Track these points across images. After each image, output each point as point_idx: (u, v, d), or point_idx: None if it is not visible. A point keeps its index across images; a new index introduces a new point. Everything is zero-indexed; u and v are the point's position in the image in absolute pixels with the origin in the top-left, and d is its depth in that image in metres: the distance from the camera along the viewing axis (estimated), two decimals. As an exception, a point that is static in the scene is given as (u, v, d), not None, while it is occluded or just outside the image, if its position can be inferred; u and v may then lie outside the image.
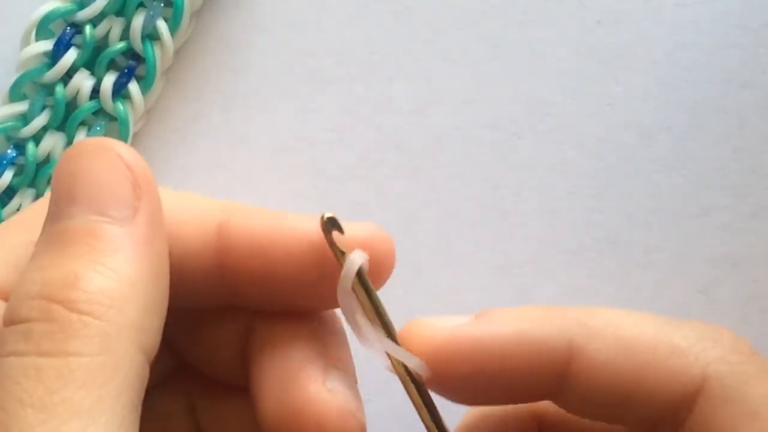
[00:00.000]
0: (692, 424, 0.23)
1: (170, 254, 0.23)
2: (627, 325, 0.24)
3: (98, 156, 0.23)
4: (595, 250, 0.37)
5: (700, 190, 0.37)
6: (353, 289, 0.24)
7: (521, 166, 0.38)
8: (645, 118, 0.38)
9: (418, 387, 0.25)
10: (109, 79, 0.37)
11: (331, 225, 0.24)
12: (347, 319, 0.25)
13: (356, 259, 0.24)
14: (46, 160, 0.37)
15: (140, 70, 0.37)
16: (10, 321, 0.20)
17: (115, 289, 0.21)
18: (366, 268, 0.25)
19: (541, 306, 0.25)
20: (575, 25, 0.38)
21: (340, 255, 0.24)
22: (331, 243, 0.24)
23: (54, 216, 0.22)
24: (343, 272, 0.24)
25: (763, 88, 0.38)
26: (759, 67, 0.38)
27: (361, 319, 0.25)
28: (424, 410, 0.25)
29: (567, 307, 0.25)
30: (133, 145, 0.37)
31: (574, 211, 0.37)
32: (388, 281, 0.26)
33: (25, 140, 0.37)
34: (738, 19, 0.38)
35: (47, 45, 0.36)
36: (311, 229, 0.24)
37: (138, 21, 0.37)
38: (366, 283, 0.24)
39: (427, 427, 0.25)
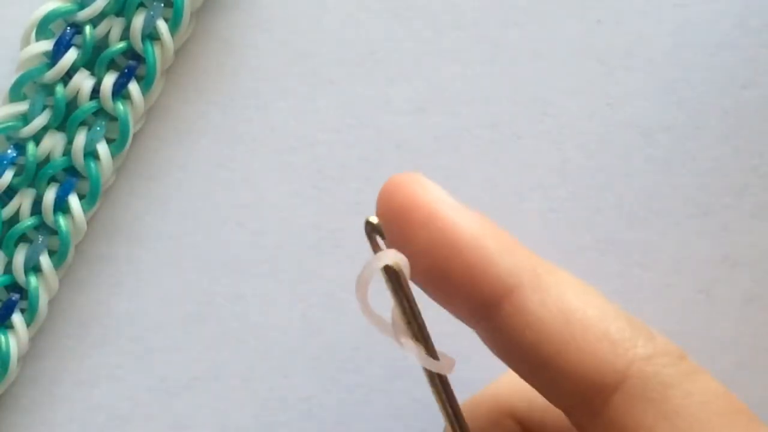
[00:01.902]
0: (607, 418, 0.23)
1: None
2: (575, 295, 0.25)
3: None
4: (595, 250, 0.37)
5: (700, 190, 0.37)
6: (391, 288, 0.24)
7: (521, 166, 0.38)
8: (645, 118, 0.38)
9: (444, 390, 0.25)
10: (109, 79, 0.37)
11: (372, 229, 0.24)
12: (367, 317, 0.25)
13: (381, 259, 0.24)
14: (46, 160, 0.37)
15: (140, 70, 0.37)
16: None
17: None
18: (406, 271, 0.24)
19: (515, 240, 0.26)
20: (575, 25, 0.38)
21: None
22: (375, 248, 0.24)
23: None
24: (364, 270, 0.24)
25: (763, 88, 0.38)
26: (759, 67, 0.38)
27: (384, 319, 0.25)
28: (449, 410, 0.25)
29: (534, 253, 0.25)
30: (133, 145, 0.37)
31: (574, 211, 0.37)
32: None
33: (25, 140, 0.37)
34: (738, 19, 0.38)
35: (47, 45, 0.36)
36: None
37: (138, 21, 0.37)
38: (399, 288, 0.24)
39: (450, 427, 0.25)
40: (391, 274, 0.24)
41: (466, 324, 0.25)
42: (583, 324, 0.24)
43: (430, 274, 0.24)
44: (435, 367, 0.25)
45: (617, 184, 0.37)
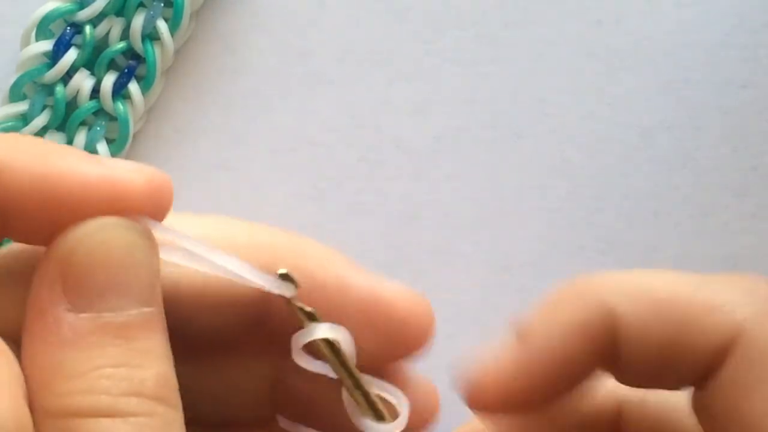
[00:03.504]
0: (721, 380, 0.23)
1: None
2: (660, 286, 0.24)
3: (117, 237, 0.22)
4: (595, 250, 0.37)
5: (700, 190, 0.37)
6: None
7: (521, 166, 0.38)
8: (645, 118, 0.38)
9: None
10: (109, 79, 0.37)
11: (287, 281, 0.24)
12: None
13: (319, 332, 0.24)
14: (46, 160, 0.37)
15: (140, 70, 0.37)
16: (99, 411, 0.21)
17: (175, 379, 0.22)
18: (348, 345, 0.24)
19: (569, 285, 0.25)
20: (575, 25, 0.38)
21: (303, 318, 0.24)
22: (293, 307, 0.24)
23: (102, 306, 0.22)
24: (298, 337, 0.24)
25: (763, 88, 0.38)
26: (759, 67, 0.38)
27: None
28: None
29: (595, 277, 0.25)
30: (133, 145, 0.37)
31: (574, 211, 0.37)
32: (389, 280, 0.26)
33: (25, 140, 0.37)
34: (738, 19, 0.38)
35: (47, 45, 0.36)
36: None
37: (138, 21, 0.37)
38: (343, 362, 0.24)
39: None
40: (331, 347, 0.24)
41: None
42: (682, 308, 0.24)
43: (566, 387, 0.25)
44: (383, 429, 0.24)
45: (617, 184, 0.37)
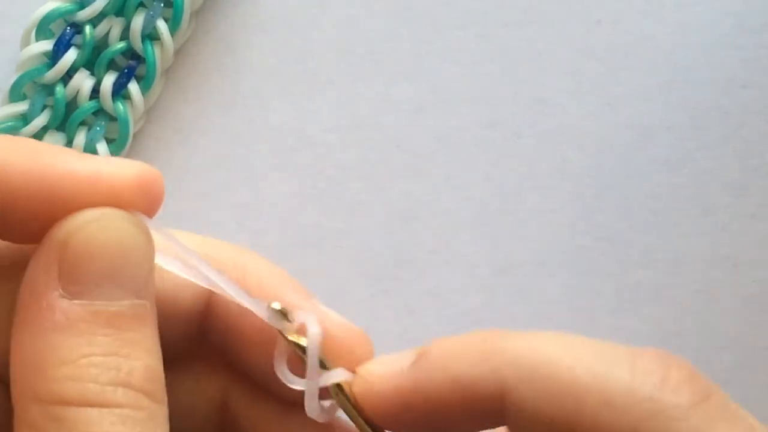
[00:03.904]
0: None
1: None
2: (563, 367, 0.23)
3: (117, 227, 0.23)
4: (595, 250, 0.37)
5: (700, 190, 0.37)
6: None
7: (521, 166, 0.38)
8: (645, 118, 0.38)
9: None
10: (109, 79, 0.37)
11: (280, 318, 0.24)
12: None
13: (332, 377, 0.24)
14: (46, 160, 0.37)
15: (140, 70, 0.37)
16: (86, 401, 0.21)
17: (161, 372, 0.22)
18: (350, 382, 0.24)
19: (481, 336, 0.24)
20: (575, 25, 0.38)
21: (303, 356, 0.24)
22: (290, 343, 0.24)
23: (95, 294, 0.22)
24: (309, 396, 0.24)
25: (763, 88, 0.38)
26: (759, 67, 0.38)
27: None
28: None
29: (509, 337, 0.24)
30: (133, 145, 0.37)
31: (574, 211, 0.37)
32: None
33: (25, 140, 0.37)
34: (738, 20, 0.38)
35: (47, 45, 0.36)
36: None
37: (138, 21, 0.37)
38: (347, 405, 0.24)
39: None
40: (342, 391, 0.24)
41: None
42: (578, 397, 0.23)
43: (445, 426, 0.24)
44: None
45: (617, 184, 0.37)
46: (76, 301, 0.22)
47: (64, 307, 0.22)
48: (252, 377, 0.26)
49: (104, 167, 0.23)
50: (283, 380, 0.24)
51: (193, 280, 0.24)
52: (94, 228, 0.22)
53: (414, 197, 0.37)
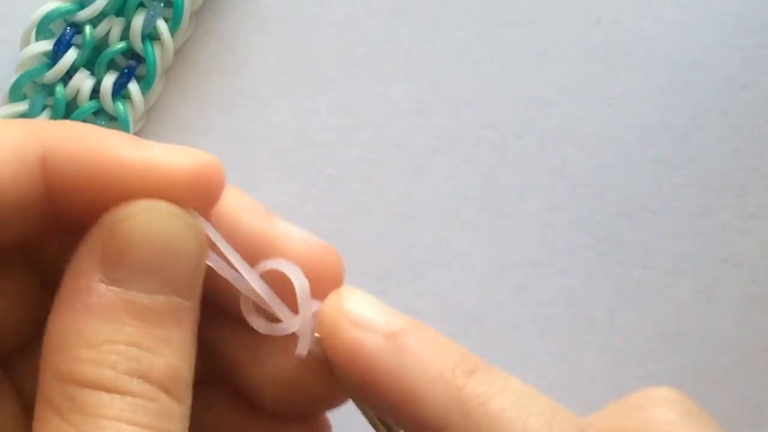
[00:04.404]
0: None
1: None
2: (498, 418, 0.23)
3: (163, 222, 0.23)
4: (595, 250, 0.37)
5: (700, 190, 0.37)
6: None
7: (521, 166, 0.38)
8: (645, 118, 0.38)
9: None
10: (109, 79, 0.37)
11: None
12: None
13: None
14: (46, 160, 0.37)
15: (140, 70, 0.37)
16: (100, 385, 0.21)
17: (188, 376, 0.23)
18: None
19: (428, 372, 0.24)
20: (575, 25, 0.38)
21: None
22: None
23: (133, 284, 0.22)
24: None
25: (763, 88, 0.38)
26: (759, 67, 0.38)
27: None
28: None
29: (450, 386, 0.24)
30: (133, 145, 0.37)
31: (574, 211, 0.37)
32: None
33: (25, 140, 0.37)
34: (738, 19, 0.38)
35: (47, 45, 0.36)
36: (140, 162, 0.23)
37: (138, 21, 0.37)
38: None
39: None
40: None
41: None
42: None
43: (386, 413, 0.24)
44: None
45: (617, 184, 0.37)
46: (112, 288, 0.22)
47: (100, 290, 0.22)
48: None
49: (159, 157, 0.23)
50: (259, 329, 0.24)
51: (228, 278, 0.24)
52: (141, 219, 0.22)
53: (414, 197, 0.37)
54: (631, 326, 0.37)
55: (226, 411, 0.26)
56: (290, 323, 0.24)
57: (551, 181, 0.37)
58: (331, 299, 0.25)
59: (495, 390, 0.23)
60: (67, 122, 0.23)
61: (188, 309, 0.23)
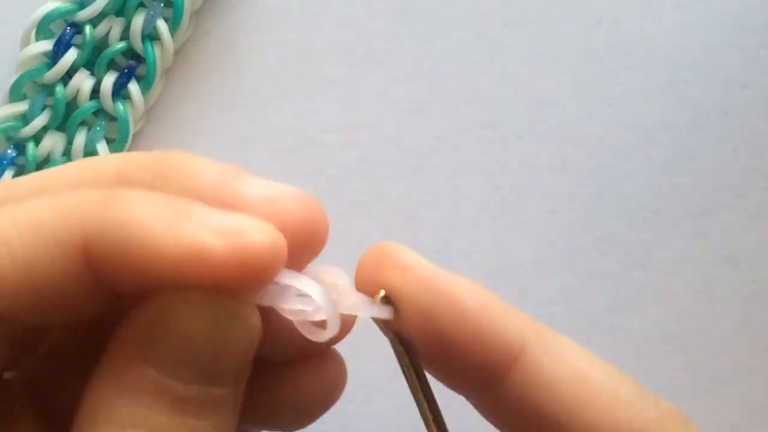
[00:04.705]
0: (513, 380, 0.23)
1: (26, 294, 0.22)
2: (581, 359, 0.24)
3: (212, 318, 0.22)
4: (595, 250, 0.37)
5: (700, 190, 0.37)
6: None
7: (521, 166, 0.38)
8: (645, 118, 0.38)
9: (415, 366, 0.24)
10: (109, 79, 0.37)
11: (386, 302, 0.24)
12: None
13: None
14: (46, 160, 0.37)
15: (140, 70, 0.37)
16: None
17: None
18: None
19: (506, 303, 0.25)
20: (575, 25, 0.38)
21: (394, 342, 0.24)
22: (385, 330, 0.24)
23: (169, 371, 0.22)
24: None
25: (763, 88, 0.38)
26: (759, 67, 0.38)
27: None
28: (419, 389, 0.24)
29: (531, 318, 0.25)
30: (133, 145, 0.37)
31: (574, 211, 0.37)
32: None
33: (25, 140, 0.37)
34: (738, 19, 0.38)
35: (47, 45, 0.36)
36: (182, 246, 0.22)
37: (138, 21, 0.37)
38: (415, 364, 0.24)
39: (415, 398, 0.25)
40: (406, 345, 0.24)
41: (466, 394, 0.25)
42: (595, 385, 0.24)
43: (432, 346, 0.24)
44: None
45: (617, 184, 0.37)
46: (150, 372, 0.22)
47: (136, 372, 0.22)
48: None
49: (196, 241, 0.21)
50: (315, 339, 0.24)
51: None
52: (184, 312, 0.22)
53: (414, 197, 0.37)
54: (631, 326, 0.37)
55: None
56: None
57: (551, 181, 0.37)
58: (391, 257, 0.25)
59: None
60: (110, 199, 0.22)
61: (228, 397, 0.22)
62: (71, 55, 0.37)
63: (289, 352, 0.26)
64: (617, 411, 0.23)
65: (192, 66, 0.38)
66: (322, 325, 0.24)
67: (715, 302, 0.37)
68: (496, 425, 0.25)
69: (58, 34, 0.37)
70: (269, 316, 0.23)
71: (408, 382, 0.25)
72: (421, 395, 0.24)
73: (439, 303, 0.24)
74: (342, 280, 0.24)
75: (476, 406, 0.25)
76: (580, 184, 0.37)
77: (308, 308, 0.23)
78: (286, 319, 0.24)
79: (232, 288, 0.22)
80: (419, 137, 0.38)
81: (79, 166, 0.24)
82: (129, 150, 0.37)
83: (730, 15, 0.38)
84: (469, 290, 0.24)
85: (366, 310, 0.24)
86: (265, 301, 0.23)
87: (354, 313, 0.24)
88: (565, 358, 0.24)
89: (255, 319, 0.22)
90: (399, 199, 0.37)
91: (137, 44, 0.37)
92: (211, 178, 0.24)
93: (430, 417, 0.24)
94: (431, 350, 0.24)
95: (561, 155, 0.38)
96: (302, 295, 0.23)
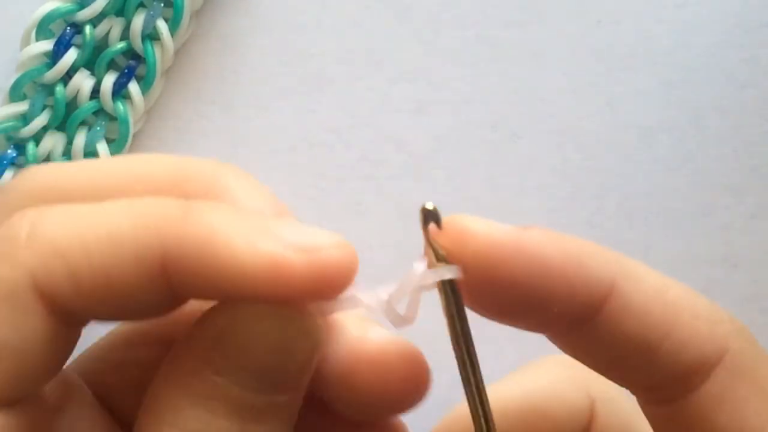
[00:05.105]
0: (705, 392, 0.24)
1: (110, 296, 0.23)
2: (660, 282, 0.24)
3: (281, 329, 0.23)
4: (595, 250, 0.37)
5: (700, 190, 0.37)
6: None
7: (521, 166, 0.38)
8: (645, 118, 0.38)
9: (456, 301, 0.24)
10: (109, 79, 0.37)
11: (430, 217, 0.24)
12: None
13: (444, 273, 0.24)
14: (46, 160, 0.37)
15: (140, 70, 0.37)
16: None
17: None
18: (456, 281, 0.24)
19: (583, 240, 0.25)
20: (575, 25, 0.38)
21: (434, 255, 0.24)
22: (428, 239, 0.24)
23: (236, 378, 0.22)
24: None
25: (763, 88, 0.38)
26: (759, 67, 0.38)
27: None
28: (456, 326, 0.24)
29: (607, 248, 0.25)
30: (133, 145, 0.37)
31: (574, 211, 0.37)
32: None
33: (25, 140, 0.37)
34: (738, 19, 0.38)
35: (47, 45, 0.36)
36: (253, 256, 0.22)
37: (138, 21, 0.37)
38: (456, 300, 0.24)
39: (454, 343, 0.24)
40: (451, 289, 0.24)
41: (548, 334, 0.25)
42: (677, 305, 0.24)
43: (523, 302, 0.24)
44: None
45: (617, 184, 0.37)
46: (216, 378, 0.22)
47: (203, 376, 0.22)
48: None
49: (271, 253, 0.22)
50: (401, 324, 0.24)
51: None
52: (254, 324, 0.22)
53: (414, 197, 0.37)
54: (631, 326, 0.37)
55: (301, 413, 0.26)
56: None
57: (551, 181, 0.37)
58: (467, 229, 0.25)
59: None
60: (188, 212, 0.22)
61: (289, 405, 0.23)
62: (71, 55, 0.37)
63: (364, 413, 0.26)
64: (699, 326, 0.24)
65: (192, 66, 0.38)
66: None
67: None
68: (579, 358, 0.25)
69: (58, 34, 0.37)
70: (352, 374, 0.24)
71: (456, 347, 0.24)
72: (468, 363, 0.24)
73: (522, 263, 0.24)
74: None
75: (555, 342, 0.25)
76: (580, 184, 0.37)
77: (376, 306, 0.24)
78: (365, 380, 0.24)
79: (305, 300, 0.23)
80: (419, 137, 0.38)
81: (132, 165, 0.25)
82: (129, 150, 0.37)
83: (730, 15, 0.38)
84: (546, 241, 0.24)
85: (434, 276, 0.24)
86: (328, 311, 0.23)
87: (426, 281, 0.24)
88: (649, 284, 0.24)
89: (318, 330, 0.23)
90: (399, 199, 0.37)
91: (137, 44, 0.37)
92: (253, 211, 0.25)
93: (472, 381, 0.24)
94: (513, 307, 0.24)
95: (561, 155, 0.38)
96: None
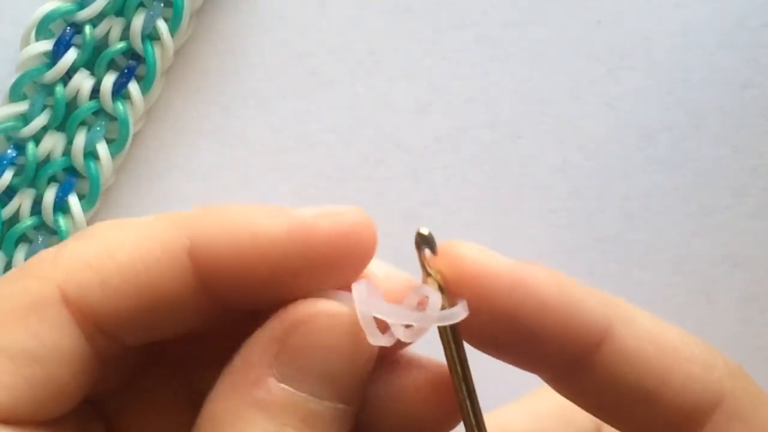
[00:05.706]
0: None
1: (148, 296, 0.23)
2: (656, 326, 0.24)
3: (347, 333, 0.22)
4: (595, 250, 0.37)
5: (700, 190, 0.37)
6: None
7: (521, 166, 0.38)
8: (645, 118, 0.38)
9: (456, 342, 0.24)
10: (109, 79, 0.37)
11: (423, 243, 0.24)
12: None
13: (457, 312, 0.23)
14: (46, 160, 0.37)
15: (140, 70, 0.37)
16: None
17: None
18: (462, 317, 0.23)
19: (579, 280, 0.25)
20: (575, 25, 0.38)
21: (432, 283, 0.24)
22: (423, 264, 0.24)
23: (301, 386, 0.22)
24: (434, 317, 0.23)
25: (763, 88, 0.38)
26: (759, 67, 0.38)
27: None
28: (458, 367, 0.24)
29: (601, 290, 0.25)
30: (133, 145, 0.37)
31: (574, 211, 0.37)
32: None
33: (25, 140, 0.37)
34: (738, 19, 0.38)
35: (47, 45, 0.36)
36: (277, 232, 0.22)
37: (138, 21, 0.37)
38: (456, 339, 0.23)
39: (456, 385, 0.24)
40: (451, 330, 0.24)
41: (550, 379, 0.25)
42: (674, 350, 0.24)
43: (517, 337, 0.24)
44: None
45: (617, 184, 0.37)
46: (284, 386, 0.22)
47: (270, 386, 0.22)
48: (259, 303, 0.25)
49: (302, 222, 0.22)
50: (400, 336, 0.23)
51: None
52: (320, 325, 0.22)
53: (414, 197, 0.37)
54: (631, 326, 0.37)
55: None
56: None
57: (551, 181, 0.37)
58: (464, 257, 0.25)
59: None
60: (208, 207, 0.23)
61: (347, 413, 0.23)
62: (71, 55, 0.37)
63: None
64: (695, 371, 0.24)
65: (192, 66, 0.38)
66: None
67: (715, 302, 0.37)
68: (576, 402, 0.25)
69: (58, 34, 0.37)
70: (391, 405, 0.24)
71: (456, 378, 0.24)
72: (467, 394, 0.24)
73: (519, 297, 0.23)
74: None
75: (551, 384, 0.25)
76: (580, 184, 0.37)
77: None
78: (410, 407, 0.24)
79: (334, 268, 0.23)
80: (419, 137, 0.38)
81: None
82: (129, 150, 0.37)
83: (730, 15, 0.38)
84: (545, 278, 0.24)
85: (450, 317, 0.24)
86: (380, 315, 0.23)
87: (444, 322, 0.24)
88: (645, 329, 0.24)
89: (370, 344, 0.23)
90: (399, 199, 0.37)
91: (137, 44, 0.37)
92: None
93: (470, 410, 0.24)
94: (507, 341, 0.24)
95: (561, 155, 0.38)
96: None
